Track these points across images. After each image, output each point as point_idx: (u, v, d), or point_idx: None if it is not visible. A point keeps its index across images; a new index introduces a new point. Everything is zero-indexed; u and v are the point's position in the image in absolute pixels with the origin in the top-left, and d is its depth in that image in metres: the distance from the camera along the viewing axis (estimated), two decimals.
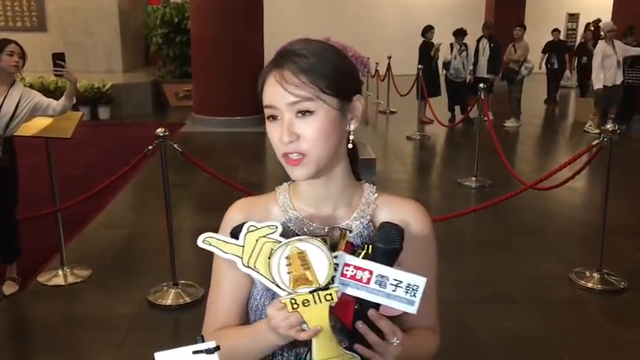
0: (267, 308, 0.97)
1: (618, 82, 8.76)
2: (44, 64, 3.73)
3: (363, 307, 0.95)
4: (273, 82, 1.01)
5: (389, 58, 11.80)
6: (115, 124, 9.62)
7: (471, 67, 9.97)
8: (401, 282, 0.93)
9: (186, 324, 3.38)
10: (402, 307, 0.94)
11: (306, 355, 1.05)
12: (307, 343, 0.98)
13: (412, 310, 0.95)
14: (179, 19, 11.28)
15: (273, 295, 0.99)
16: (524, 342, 3.25)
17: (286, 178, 1.15)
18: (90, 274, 3.99)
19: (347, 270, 0.94)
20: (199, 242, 0.96)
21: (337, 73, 1.03)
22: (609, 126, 3.85)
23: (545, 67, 12.68)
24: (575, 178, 4.29)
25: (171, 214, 3.73)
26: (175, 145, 3.69)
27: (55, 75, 3.77)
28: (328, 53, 1.04)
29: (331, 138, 1.02)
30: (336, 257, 0.93)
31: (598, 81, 8.62)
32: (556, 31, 12.82)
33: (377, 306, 0.95)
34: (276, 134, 1.02)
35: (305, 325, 0.93)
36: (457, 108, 10.12)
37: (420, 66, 9.31)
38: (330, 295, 0.92)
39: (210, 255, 1.03)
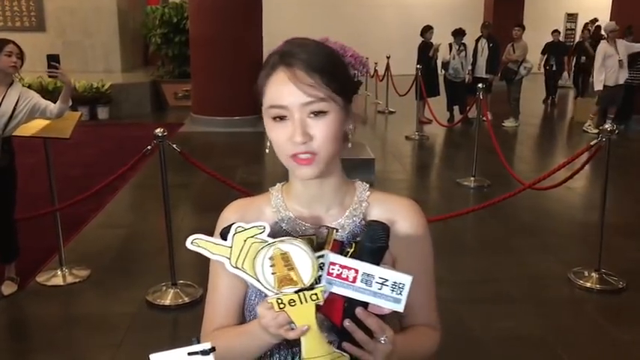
0: (257, 307, 0.97)
1: (621, 81, 8.72)
2: (43, 64, 3.72)
3: (351, 305, 0.94)
4: (281, 82, 0.99)
5: (388, 58, 11.83)
6: (114, 124, 9.62)
7: (470, 67, 9.98)
8: (387, 280, 0.93)
9: (185, 324, 3.38)
10: (389, 306, 0.94)
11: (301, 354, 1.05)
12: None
13: (399, 308, 0.94)
14: (178, 19, 11.28)
15: (265, 295, 0.99)
16: (523, 342, 3.25)
17: (286, 178, 1.15)
18: (89, 274, 3.99)
19: (333, 269, 0.93)
20: (188, 244, 0.95)
21: (344, 74, 1.03)
22: (608, 126, 3.85)
23: (543, 69, 12.69)
24: (574, 178, 4.29)
25: (170, 214, 3.73)
26: (174, 145, 3.68)
27: (49, 76, 3.77)
28: (332, 53, 1.05)
29: (338, 138, 1.03)
30: (322, 256, 0.93)
31: (598, 82, 8.61)
32: (556, 32, 12.80)
33: (365, 304, 0.94)
34: (283, 135, 0.99)
35: (294, 325, 0.93)
36: (456, 108, 10.14)
37: (418, 66, 9.31)
38: (316, 294, 0.92)
39: None
